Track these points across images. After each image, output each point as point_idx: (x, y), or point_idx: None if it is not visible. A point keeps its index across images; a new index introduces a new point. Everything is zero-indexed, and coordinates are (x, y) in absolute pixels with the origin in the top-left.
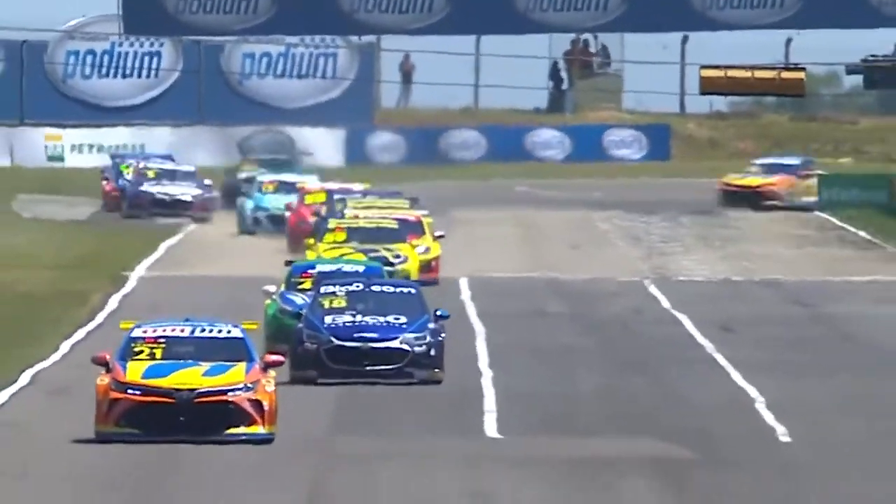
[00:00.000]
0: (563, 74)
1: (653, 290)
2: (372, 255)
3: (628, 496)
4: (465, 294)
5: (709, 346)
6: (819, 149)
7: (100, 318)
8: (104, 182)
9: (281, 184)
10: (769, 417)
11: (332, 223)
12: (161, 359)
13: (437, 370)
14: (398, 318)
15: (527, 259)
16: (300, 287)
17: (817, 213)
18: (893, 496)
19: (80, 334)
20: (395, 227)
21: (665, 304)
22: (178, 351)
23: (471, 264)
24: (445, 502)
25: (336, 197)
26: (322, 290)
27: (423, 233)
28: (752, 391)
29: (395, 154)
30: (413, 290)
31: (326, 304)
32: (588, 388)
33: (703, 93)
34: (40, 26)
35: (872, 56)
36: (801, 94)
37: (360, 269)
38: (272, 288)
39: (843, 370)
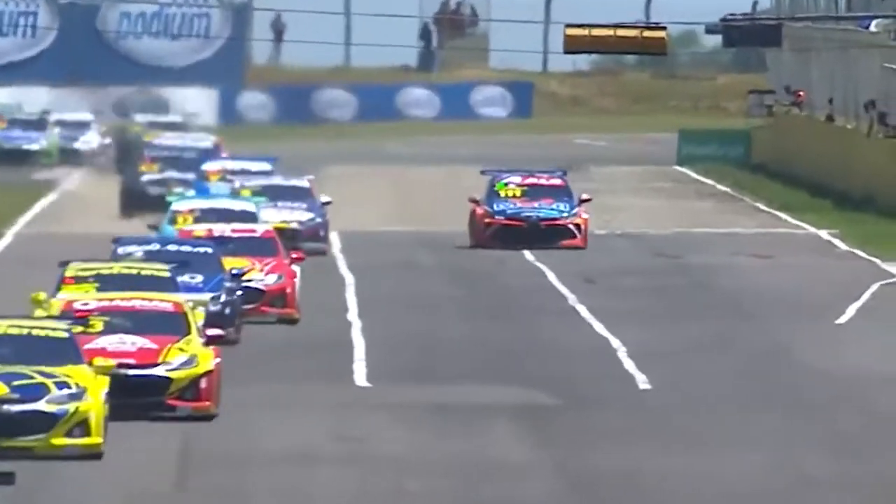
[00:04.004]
0: (433, 34)
1: None
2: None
3: (492, 440)
4: (336, 247)
5: (571, 296)
6: (677, 105)
7: None
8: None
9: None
10: (630, 365)
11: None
12: None
13: None
14: None
15: (396, 213)
16: None
17: (675, 167)
18: (745, 432)
19: None
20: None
21: (528, 256)
22: None
23: (341, 219)
24: (316, 447)
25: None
26: None
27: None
28: (614, 340)
29: (265, 113)
30: None
31: None
32: (455, 337)
33: (567, 51)
34: None
35: (731, 15)
36: (663, 53)
37: None
38: None
39: (702, 318)
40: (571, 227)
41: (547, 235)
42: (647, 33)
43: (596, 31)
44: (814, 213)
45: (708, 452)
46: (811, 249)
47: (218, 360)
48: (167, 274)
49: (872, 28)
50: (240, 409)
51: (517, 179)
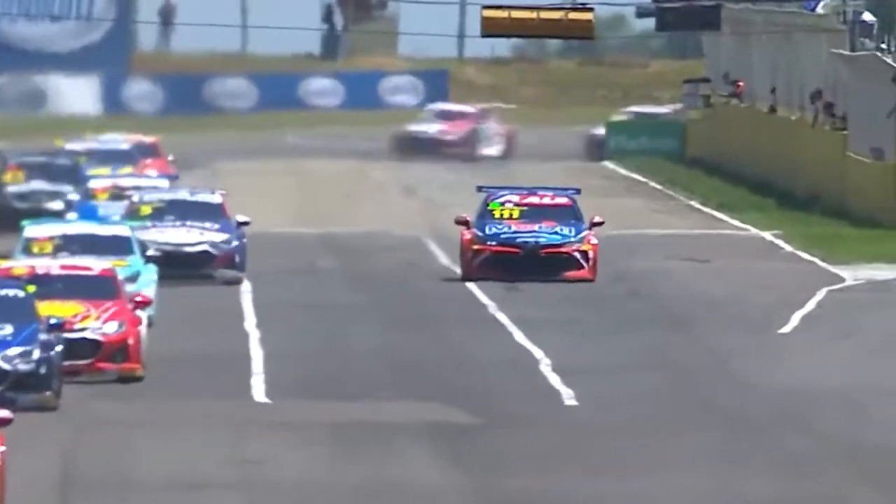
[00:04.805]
0: (338, 17)
1: (431, 244)
2: None
3: (404, 462)
4: None
5: (490, 304)
6: (607, 95)
7: None
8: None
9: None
10: (555, 380)
11: None
12: None
13: None
14: None
15: (297, 212)
16: None
17: (604, 162)
18: (680, 453)
19: None
20: None
21: (444, 259)
22: None
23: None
24: (208, 470)
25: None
26: None
27: None
28: (537, 352)
29: (153, 103)
30: None
31: None
32: (362, 348)
33: (484, 35)
34: None
35: None
36: (590, 37)
37: None
38: None
39: (633, 329)
40: (577, 255)
41: (547, 265)
42: (572, 15)
43: (516, 14)
44: (755, 213)
45: (640, 475)
46: (752, 252)
47: (2, 448)
48: None
49: (819, 10)
50: (125, 428)
51: (515, 198)
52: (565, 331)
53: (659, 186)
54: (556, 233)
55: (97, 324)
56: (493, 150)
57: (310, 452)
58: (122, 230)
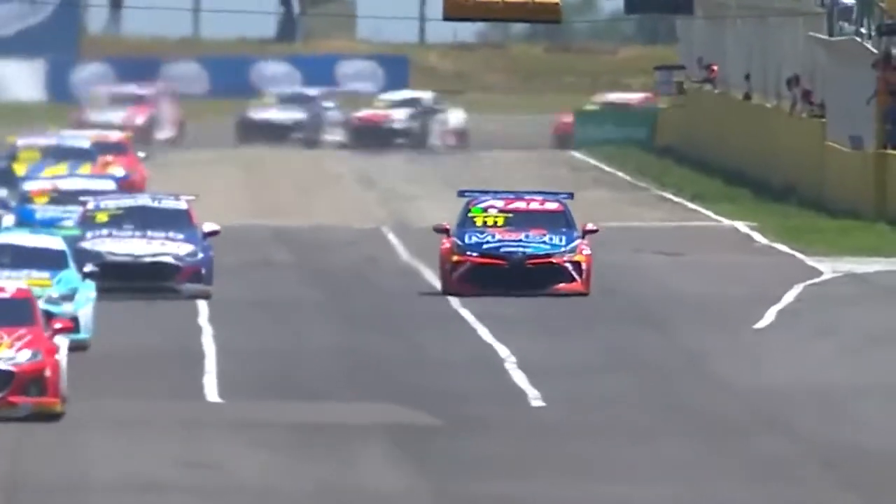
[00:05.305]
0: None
1: (391, 237)
2: None
3: (363, 464)
4: None
5: (453, 300)
6: (575, 82)
7: None
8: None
9: None
10: (521, 379)
11: None
12: None
13: None
14: None
15: (250, 204)
16: None
17: (572, 152)
18: (652, 458)
19: None
20: None
21: (403, 254)
22: None
23: None
24: (160, 473)
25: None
26: None
27: None
28: (503, 350)
29: None
30: None
31: None
32: (320, 346)
33: (447, 18)
34: None
35: None
36: (557, 21)
37: None
38: None
39: (602, 325)
40: (568, 266)
41: (535, 277)
42: None
43: None
44: (729, 204)
45: (611, 480)
46: (726, 244)
47: None
48: None
49: None
50: (73, 429)
51: (499, 203)
52: (531, 328)
53: (628, 177)
54: (544, 242)
55: (9, 352)
56: (164, 133)
57: (265, 455)
58: (56, 242)
